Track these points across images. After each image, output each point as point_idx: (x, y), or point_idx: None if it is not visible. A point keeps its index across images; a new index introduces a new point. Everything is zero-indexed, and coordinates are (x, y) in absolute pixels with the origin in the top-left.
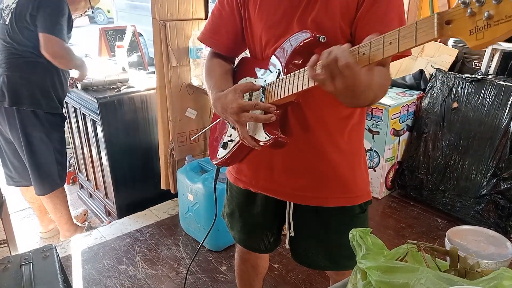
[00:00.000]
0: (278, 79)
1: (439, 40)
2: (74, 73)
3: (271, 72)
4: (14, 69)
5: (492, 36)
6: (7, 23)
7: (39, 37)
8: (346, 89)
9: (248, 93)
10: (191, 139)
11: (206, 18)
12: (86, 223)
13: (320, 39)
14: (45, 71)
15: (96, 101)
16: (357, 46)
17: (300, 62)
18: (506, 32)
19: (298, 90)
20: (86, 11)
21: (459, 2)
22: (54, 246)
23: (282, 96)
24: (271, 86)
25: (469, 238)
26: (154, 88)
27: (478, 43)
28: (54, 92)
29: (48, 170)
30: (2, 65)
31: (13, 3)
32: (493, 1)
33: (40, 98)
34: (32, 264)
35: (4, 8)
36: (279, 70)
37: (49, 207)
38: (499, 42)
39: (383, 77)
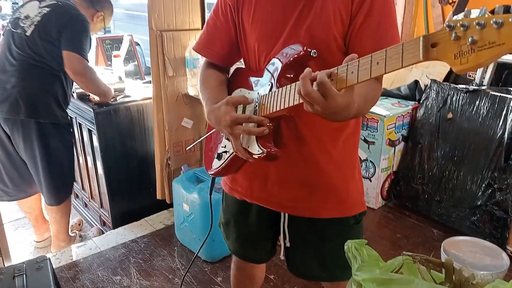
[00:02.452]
0: (270, 92)
1: None
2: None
3: (264, 84)
4: (31, 80)
5: (476, 61)
6: (27, 34)
7: (63, 54)
8: (324, 111)
9: (241, 105)
10: (187, 149)
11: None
12: (76, 231)
13: (311, 54)
14: (60, 84)
15: (92, 110)
16: (336, 67)
17: (292, 76)
18: (489, 58)
19: (290, 105)
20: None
21: (445, 25)
22: (47, 257)
23: (274, 110)
24: (264, 99)
25: (465, 249)
26: (150, 98)
27: (463, 68)
28: (65, 104)
29: (65, 179)
30: (18, 76)
31: (36, 16)
32: (477, 27)
33: (56, 109)
34: (26, 275)
35: (22, 18)
36: (271, 83)
37: (55, 217)
38: None
39: (371, 90)
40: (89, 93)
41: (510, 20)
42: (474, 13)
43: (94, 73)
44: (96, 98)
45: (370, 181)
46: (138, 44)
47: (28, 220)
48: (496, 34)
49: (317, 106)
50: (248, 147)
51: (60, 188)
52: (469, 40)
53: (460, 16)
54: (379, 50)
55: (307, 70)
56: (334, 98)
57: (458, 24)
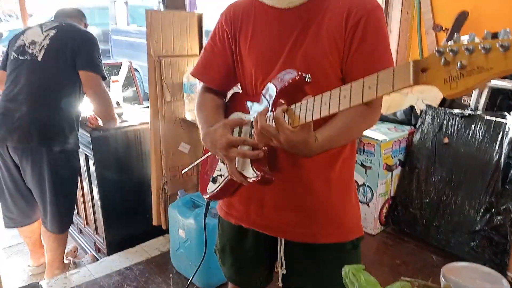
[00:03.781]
0: (265, 117)
1: None
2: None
3: (260, 108)
4: (44, 107)
5: (465, 86)
6: (39, 59)
7: (81, 74)
8: (281, 145)
9: (237, 128)
10: (183, 171)
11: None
12: (71, 258)
13: (306, 79)
14: (72, 108)
15: (89, 135)
16: (294, 104)
17: (287, 100)
18: (478, 82)
19: None
20: None
21: (434, 50)
22: (39, 284)
23: None
24: None
25: (464, 275)
26: (148, 123)
27: (452, 92)
28: (77, 129)
29: (70, 207)
30: (30, 104)
31: (44, 40)
32: (465, 52)
33: (69, 136)
34: None
35: (27, 44)
36: (267, 107)
37: (53, 245)
38: None
39: (349, 122)
40: (89, 120)
41: (497, 45)
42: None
43: (109, 95)
44: (100, 123)
45: (368, 206)
46: (137, 70)
47: (26, 245)
48: (484, 59)
49: (274, 139)
50: (243, 170)
51: (65, 215)
52: (458, 65)
53: (451, 42)
54: (371, 75)
55: (265, 108)
56: (286, 134)
57: (448, 49)
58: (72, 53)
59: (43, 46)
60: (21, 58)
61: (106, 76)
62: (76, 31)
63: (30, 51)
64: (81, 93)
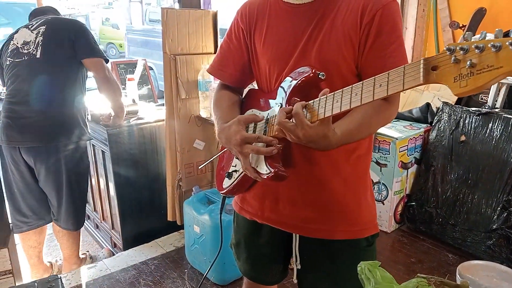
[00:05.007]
0: (287, 114)
1: None
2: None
3: (275, 105)
4: (52, 104)
5: (475, 84)
6: (38, 56)
7: (86, 63)
8: (299, 140)
9: (252, 125)
10: (199, 167)
11: (215, 53)
12: (87, 252)
13: (320, 76)
14: (79, 100)
15: (105, 132)
16: (312, 101)
17: (301, 97)
18: (488, 81)
19: None
20: None
21: (445, 48)
22: (59, 277)
23: None
24: (274, 119)
25: (481, 274)
26: (163, 120)
27: (462, 91)
28: (86, 122)
29: (84, 204)
30: (39, 104)
31: (37, 37)
32: (476, 50)
33: (80, 130)
34: None
35: (19, 46)
36: (281, 104)
37: (67, 243)
38: None
39: (367, 116)
40: (103, 119)
41: (507, 43)
42: (489, 36)
43: (115, 79)
44: (112, 113)
45: (383, 204)
46: (151, 68)
47: (28, 259)
48: (494, 58)
49: (292, 135)
50: (257, 166)
51: (80, 212)
52: (468, 63)
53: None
54: (382, 73)
55: (290, 107)
56: (305, 129)
57: (458, 48)
58: (69, 43)
59: (38, 43)
60: (18, 60)
61: (107, 59)
62: (66, 21)
63: (25, 51)
64: (84, 82)
